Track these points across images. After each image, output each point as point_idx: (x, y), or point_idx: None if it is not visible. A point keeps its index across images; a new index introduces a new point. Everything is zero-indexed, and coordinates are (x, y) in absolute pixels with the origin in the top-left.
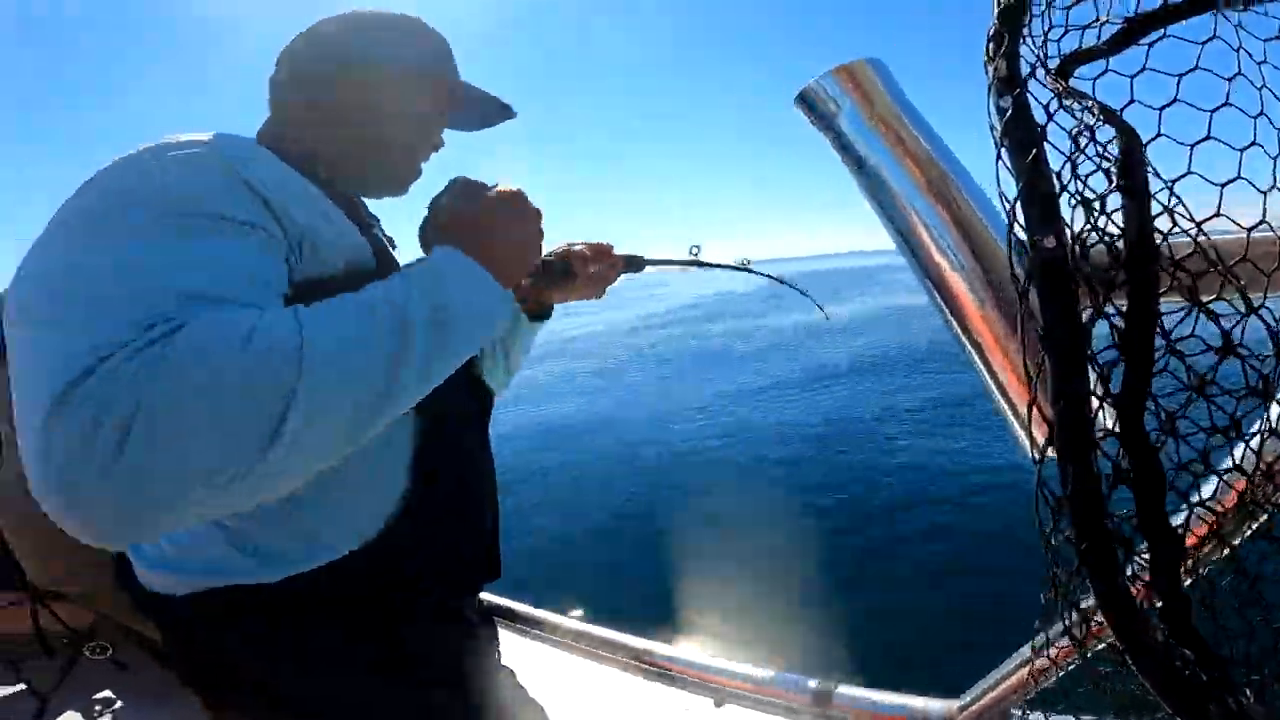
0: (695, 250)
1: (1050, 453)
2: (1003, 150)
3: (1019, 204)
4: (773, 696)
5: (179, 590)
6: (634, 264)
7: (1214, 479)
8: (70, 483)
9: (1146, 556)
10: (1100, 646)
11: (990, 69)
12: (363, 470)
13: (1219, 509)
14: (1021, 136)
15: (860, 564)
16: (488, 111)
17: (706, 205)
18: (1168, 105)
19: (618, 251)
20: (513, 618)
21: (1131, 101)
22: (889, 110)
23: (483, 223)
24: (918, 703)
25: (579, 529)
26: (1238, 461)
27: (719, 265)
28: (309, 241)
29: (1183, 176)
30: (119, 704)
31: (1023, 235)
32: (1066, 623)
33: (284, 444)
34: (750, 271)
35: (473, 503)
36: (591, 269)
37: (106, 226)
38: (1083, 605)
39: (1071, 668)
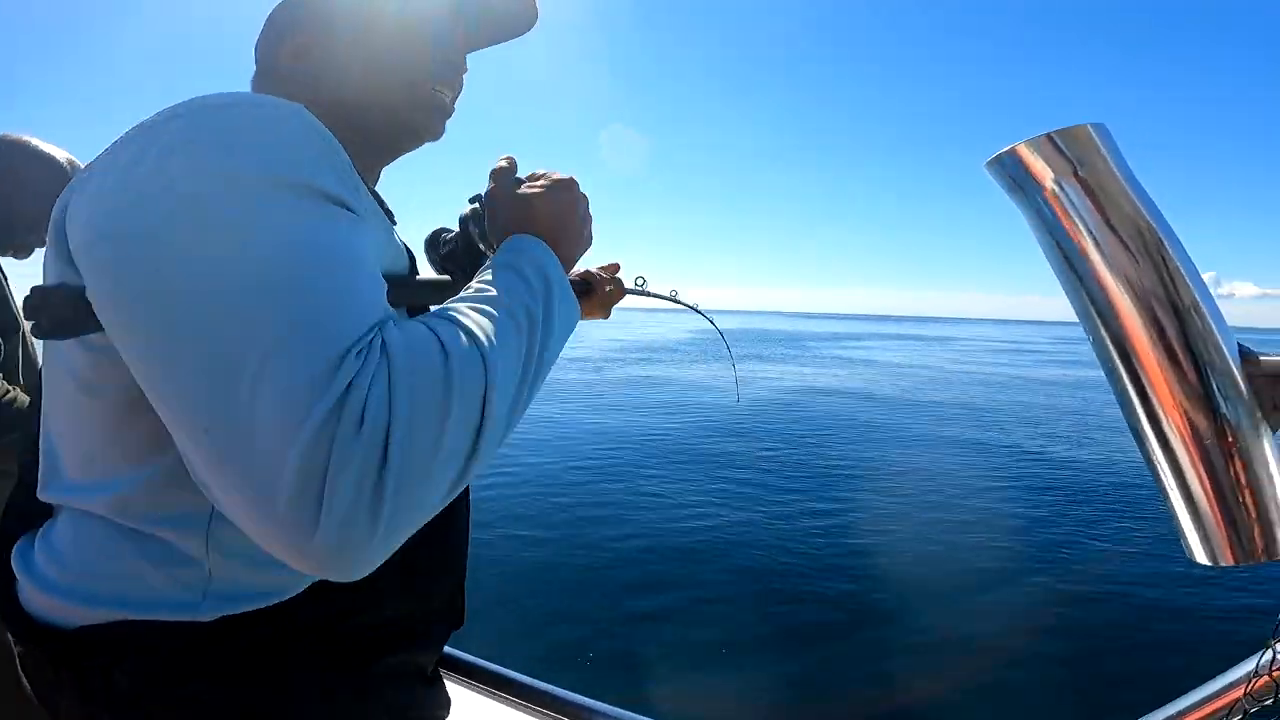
0: (657, 286)
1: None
2: None
3: None
4: None
5: (73, 620)
6: (631, 289)
7: None
8: (348, 524)
9: None
10: None
11: None
12: None
13: None
14: None
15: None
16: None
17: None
18: None
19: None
20: (466, 672)
21: None
22: (1114, 181)
23: (558, 214)
24: None
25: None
26: None
27: (689, 306)
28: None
29: None
30: None
31: None
32: None
33: (480, 452)
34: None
35: (449, 543)
36: (607, 288)
37: (264, 205)
38: None
39: None
